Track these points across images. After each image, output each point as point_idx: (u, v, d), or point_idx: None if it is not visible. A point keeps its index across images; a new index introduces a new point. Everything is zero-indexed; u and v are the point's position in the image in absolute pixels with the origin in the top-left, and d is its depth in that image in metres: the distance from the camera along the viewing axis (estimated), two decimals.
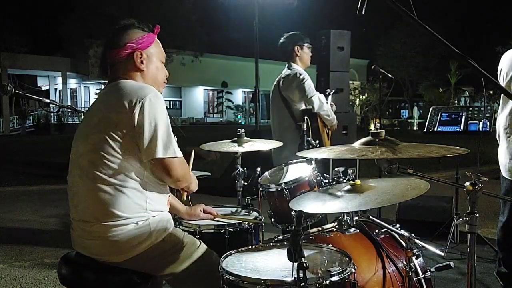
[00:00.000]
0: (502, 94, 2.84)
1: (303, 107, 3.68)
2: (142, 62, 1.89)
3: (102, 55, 1.95)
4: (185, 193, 2.13)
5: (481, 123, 4.05)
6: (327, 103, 3.80)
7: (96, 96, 1.96)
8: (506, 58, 2.90)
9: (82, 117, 1.99)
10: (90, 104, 2.02)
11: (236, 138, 2.73)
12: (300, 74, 3.64)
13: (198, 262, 1.88)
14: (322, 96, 3.70)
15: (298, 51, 3.74)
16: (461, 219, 1.49)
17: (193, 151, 2.37)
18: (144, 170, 1.78)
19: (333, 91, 4.13)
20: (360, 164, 4.38)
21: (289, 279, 1.45)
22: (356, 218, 2.04)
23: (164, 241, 1.83)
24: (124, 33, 1.90)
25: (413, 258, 1.69)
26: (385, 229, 1.99)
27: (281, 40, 3.80)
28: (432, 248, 1.86)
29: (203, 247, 1.94)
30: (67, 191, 1.88)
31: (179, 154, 1.80)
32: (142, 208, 1.79)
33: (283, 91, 3.70)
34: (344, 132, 5.03)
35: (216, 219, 2.34)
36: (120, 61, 1.88)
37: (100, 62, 1.97)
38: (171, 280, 1.88)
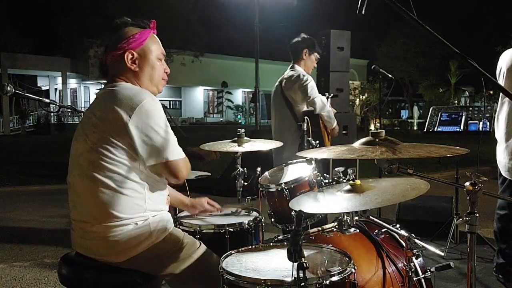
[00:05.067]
0: (501, 94, 2.85)
1: (305, 108, 3.69)
2: (134, 62, 1.85)
3: (100, 58, 1.94)
4: None
5: (481, 123, 4.05)
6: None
7: (95, 96, 1.95)
8: (505, 57, 2.90)
9: (82, 116, 1.98)
10: (90, 104, 2.02)
11: (236, 138, 2.73)
12: (304, 76, 3.67)
13: (198, 263, 1.88)
14: (324, 98, 3.72)
15: (305, 55, 3.77)
16: (461, 219, 1.49)
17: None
18: (143, 170, 1.77)
19: (332, 94, 4.15)
20: (360, 164, 4.38)
21: (289, 279, 1.44)
22: (356, 218, 2.04)
23: (164, 241, 1.83)
24: (117, 33, 1.87)
25: (413, 258, 1.68)
26: (385, 229, 1.99)
27: (295, 40, 3.83)
28: (432, 248, 1.86)
29: (203, 247, 1.94)
30: (68, 192, 1.88)
31: (181, 154, 1.79)
32: (142, 208, 1.79)
33: (285, 92, 3.71)
34: (344, 132, 5.03)
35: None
36: (114, 62, 1.87)
37: (99, 65, 1.96)
38: (170, 280, 1.88)
